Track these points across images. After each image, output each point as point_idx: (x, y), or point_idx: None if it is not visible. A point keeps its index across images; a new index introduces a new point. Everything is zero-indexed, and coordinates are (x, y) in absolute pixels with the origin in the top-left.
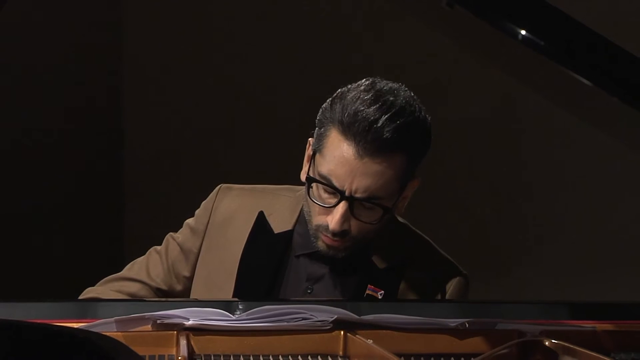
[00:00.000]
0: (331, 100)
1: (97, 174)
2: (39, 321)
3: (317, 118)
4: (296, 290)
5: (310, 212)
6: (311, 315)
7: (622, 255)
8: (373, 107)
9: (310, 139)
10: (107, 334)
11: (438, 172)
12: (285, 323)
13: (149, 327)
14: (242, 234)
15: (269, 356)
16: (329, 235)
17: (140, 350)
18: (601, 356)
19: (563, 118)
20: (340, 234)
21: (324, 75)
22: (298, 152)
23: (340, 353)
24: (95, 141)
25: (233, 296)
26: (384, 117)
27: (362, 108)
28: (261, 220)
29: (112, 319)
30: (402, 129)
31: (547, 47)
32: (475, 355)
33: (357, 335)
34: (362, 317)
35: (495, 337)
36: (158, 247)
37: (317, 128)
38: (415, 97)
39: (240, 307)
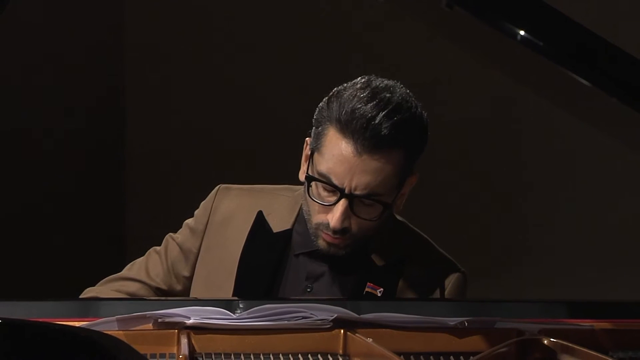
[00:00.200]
0: (328, 99)
1: (97, 174)
2: (40, 320)
3: (314, 117)
4: (296, 289)
5: (309, 211)
6: (311, 314)
7: (622, 255)
8: (370, 105)
9: (307, 138)
10: (109, 332)
11: (438, 172)
12: (286, 322)
13: (150, 325)
14: (242, 234)
15: (269, 355)
16: (329, 233)
17: (141, 349)
18: (600, 355)
19: (563, 118)
20: (341, 231)
21: (324, 75)
22: (298, 152)
23: (340, 352)
24: (95, 141)
25: (233, 295)
26: (381, 114)
27: (359, 106)
28: (260, 220)
29: (114, 317)
30: (400, 125)
31: (546, 47)
32: (475, 353)
33: (357, 334)
34: (362, 315)
35: (495, 336)
36: (158, 248)
37: (314, 127)
38: (410, 94)
39: (240, 306)
